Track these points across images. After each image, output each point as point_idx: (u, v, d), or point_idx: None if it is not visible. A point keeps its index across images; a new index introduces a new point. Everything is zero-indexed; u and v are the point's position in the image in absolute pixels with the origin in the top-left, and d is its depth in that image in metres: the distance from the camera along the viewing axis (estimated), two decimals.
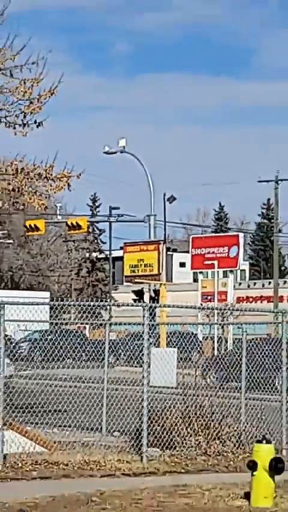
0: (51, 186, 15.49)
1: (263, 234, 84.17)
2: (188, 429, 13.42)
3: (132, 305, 21.46)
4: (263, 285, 64.62)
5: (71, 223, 42.42)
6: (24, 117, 14.84)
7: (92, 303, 14.16)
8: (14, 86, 14.58)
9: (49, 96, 14.93)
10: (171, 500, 9.40)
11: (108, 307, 34.67)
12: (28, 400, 15.12)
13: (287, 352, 14.33)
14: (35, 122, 15.25)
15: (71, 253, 69.34)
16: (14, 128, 15.04)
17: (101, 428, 15.62)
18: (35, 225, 40.89)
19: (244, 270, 58.44)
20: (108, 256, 62.00)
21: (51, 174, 15.38)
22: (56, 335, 22.07)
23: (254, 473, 8.84)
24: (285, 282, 61.54)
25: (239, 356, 15.16)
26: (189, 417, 13.71)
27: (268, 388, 15.96)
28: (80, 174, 15.21)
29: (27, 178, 15.11)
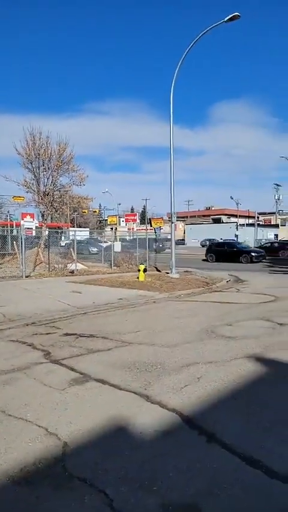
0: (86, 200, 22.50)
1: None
2: (124, 261, 18.21)
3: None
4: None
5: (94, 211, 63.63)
6: (80, 183, 21.58)
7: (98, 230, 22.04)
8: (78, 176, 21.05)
9: (85, 179, 21.73)
10: (117, 279, 13.98)
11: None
12: (83, 254, 21.89)
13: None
14: (84, 184, 21.84)
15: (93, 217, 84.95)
16: (77, 186, 21.76)
17: (102, 261, 19.97)
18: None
19: (137, 222, 78.34)
20: (104, 219, 79.93)
21: (87, 198, 22.27)
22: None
23: (139, 272, 13.91)
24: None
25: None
26: (125, 258, 18.59)
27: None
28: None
29: (82, 200, 21.99)
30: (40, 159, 22.32)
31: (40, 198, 22.52)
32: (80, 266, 16.48)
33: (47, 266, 15.77)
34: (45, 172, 22.59)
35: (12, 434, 3.18)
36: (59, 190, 23.80)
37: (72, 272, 15.30)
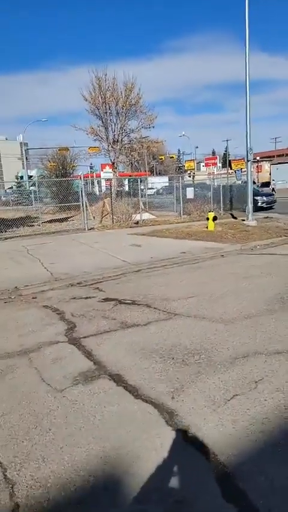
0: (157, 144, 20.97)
1: None
2: (196, 208, 16.66)
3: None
4: None
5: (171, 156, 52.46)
6: (149, 125, 19.51)
7: (176, 176, 19.29)
8: (147, 118, 19.19)
9: (154, 120, 20.21)
10: (184, 230, 12.28)
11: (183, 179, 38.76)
12: (153, 203, 20.10)
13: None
14: (153, 126, 20.52)
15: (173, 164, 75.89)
16: (146, 128, 20.27)
17: (175, 209, 17.96)
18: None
19: (219, 166, 66.19)
20: (184, 165, 62.17)
21: (156, 142, 20.45)
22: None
23: (208, 221, 12.03)
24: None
25: None
26: (196, 205, 16.73)
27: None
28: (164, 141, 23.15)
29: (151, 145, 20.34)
30: (107, 103, 20.84)
31: (109, 145, 21.38)
32: (146, 216, 15.16)
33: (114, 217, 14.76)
34: (112, 117, 21.10)
35: None
36: (128, 135, 22.21)
37: (137, 223, 14.08)
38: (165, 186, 41.09)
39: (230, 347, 3.70)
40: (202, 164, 74.19)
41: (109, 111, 21.07)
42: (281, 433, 2.38)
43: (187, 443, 2.33)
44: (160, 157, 48.43)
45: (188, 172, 47.67)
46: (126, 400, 2.83)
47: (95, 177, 41.40)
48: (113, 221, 14.03)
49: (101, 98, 21.03)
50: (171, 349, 3.71)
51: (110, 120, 20.94)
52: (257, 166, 56.85)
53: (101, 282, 6.94)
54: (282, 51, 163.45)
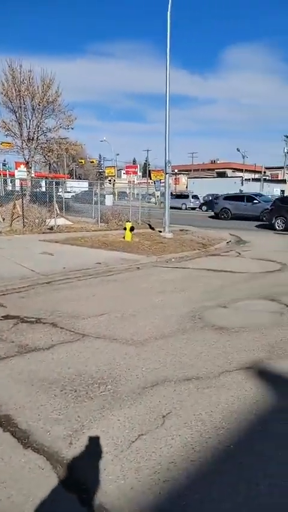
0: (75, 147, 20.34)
1: None
2: (114, 217, 16.26)
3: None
4: None
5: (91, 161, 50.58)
6: (68, 126, 18.72)
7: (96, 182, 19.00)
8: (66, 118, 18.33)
9: (74, 121, 19.11)
10: (101, 238, 12.17)
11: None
12: (70, 208, 19.19)
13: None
14: (72, 128, 19.32)
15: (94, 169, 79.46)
16: (65, 129, 19.24)
17: (93, 216, 17.66)
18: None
19: (139, 175, 71.62)
20: (104, 171, 66.09)
21: (75, 145, 19.91)
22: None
23: (125, 231, 11.89)
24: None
25: None
26: (114, 213, 16.65)
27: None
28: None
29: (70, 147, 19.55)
30: (21, 96, 19.57)
31: (23, 142, 20.08)
32: (62, 221, 14.48)
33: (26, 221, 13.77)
34: (27, 112, 19.84)
35: None
36: (45, 134, 21.08)
37: (51, 228, 13.33)
38: (85, 191, 40.36)
39: (139, 374, 3.46)
40: (123, 172, 74.94)
41: (24, 105, 19.81)
42: (187, 481, 2.18)
43: (82, 506, 1.98)
44: (80, 160, 47.64)
45: (109, 178, 47.68)
46: (13, 451, 2.38)
47: (8, 175, 38.86)
48: (24, 225, 13.06)
49: (15, 90, 19.70)
50: (75, 379, 3.34)
51: (25, 115, 19.70)
52: (175, 178, 59.46)
53: (4, 294, 6.26)
54: (200, 71, 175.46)
